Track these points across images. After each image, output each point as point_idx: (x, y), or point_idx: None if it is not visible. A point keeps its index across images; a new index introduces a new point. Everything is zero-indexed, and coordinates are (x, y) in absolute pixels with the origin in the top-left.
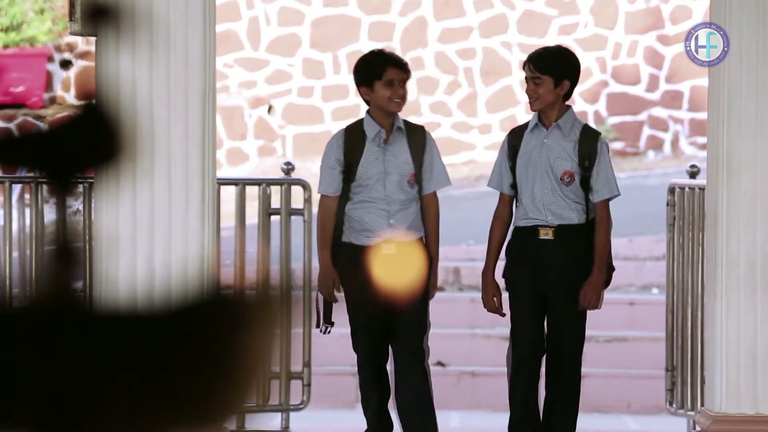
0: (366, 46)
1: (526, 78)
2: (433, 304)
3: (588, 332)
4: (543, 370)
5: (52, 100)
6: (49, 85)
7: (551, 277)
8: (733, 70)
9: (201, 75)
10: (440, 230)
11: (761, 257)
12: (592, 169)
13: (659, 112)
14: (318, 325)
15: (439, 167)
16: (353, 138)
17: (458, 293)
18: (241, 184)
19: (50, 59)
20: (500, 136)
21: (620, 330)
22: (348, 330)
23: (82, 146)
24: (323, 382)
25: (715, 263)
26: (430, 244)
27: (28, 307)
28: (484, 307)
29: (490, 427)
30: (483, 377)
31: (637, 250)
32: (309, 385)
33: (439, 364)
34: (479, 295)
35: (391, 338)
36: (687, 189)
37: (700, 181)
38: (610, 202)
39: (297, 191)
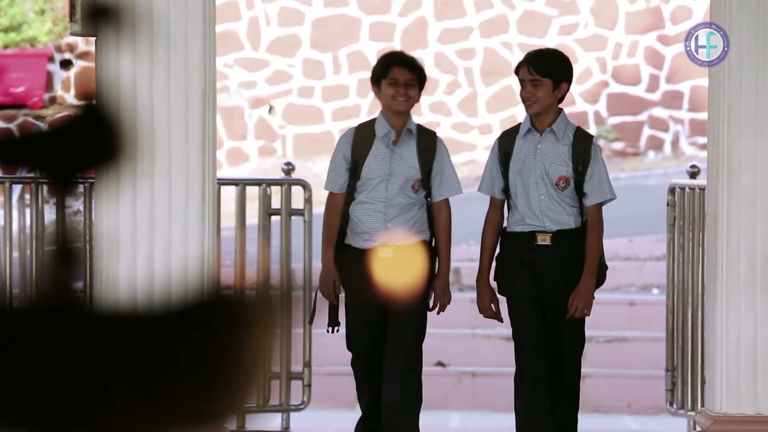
0: (366, 46)
1: (521, 80)
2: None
3: (588, 332)
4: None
5: (53, 101)
6: (49, 86)
7: (549, 281)
8: (733, 70)
9: (201, 75)
10: (452, 238)
11: (761, 257)
12: (586, 173)
13: (659, 112)
14: (311, 322)
15: (449, 175)
16: (363, 136)
17: (458, 293)
18: (241, 184)
19: (50, 59)
20: None
21: (620, 330)
22: None
23: (83, 146)
24: (323, 383)
25: (716, 263)
26: (440, 254)
27: (28, 307)
28: (481, 313)
29: (490, 428)
30: (483, 377)
31: (637, 250)
32: (309, 385)
33: (439, 364)
34: None
35: (385, 345)
36: (687, 189)
37: (701, 181)
38: (610, 203)
39: (297, 191)
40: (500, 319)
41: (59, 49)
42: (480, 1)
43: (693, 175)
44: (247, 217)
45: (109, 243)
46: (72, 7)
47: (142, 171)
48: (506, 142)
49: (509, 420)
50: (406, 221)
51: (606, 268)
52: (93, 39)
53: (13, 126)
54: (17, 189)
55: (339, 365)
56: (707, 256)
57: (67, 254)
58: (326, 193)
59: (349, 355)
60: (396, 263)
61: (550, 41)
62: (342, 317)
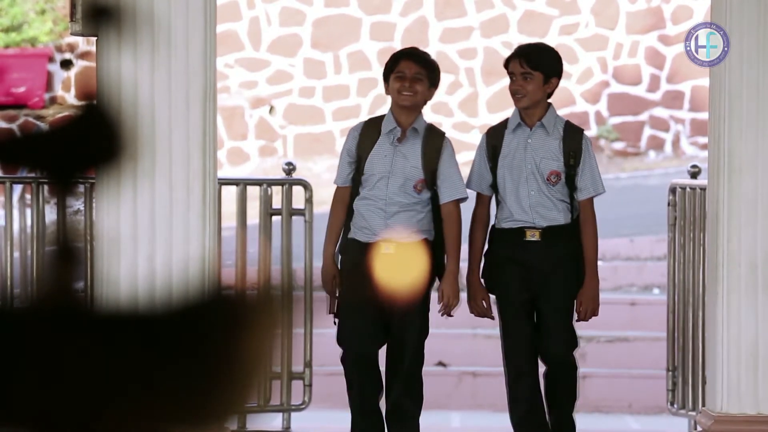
0: (367, 46)
1: (511, 73)
2: (433, 304)
3: (589, 332)
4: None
5: (53, 101)
6: (49, 86)
7: (539, 279)
8: (734, 70)
9: (202, 75)
10: (461, 241)
11: (762, 257)
12: (578, 167)
13: (660, 112)
14: (331, 311)
15: (453, 178)
16: (369, 131)
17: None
18: (242, 184)
19: (51, 59)
20: None
21: (621, 330)
22: None
23: (83, 146)
24: (324, 383)
25: (716, 263)
26: (448, 256)
27: (29, 307)
28: (471, 312)
29: (491, 427)
30: (484, 377)
31: (638, 250)
32: (310, 385)
33: (440, 364)
34: None
35: (387, 342)
36: (688, 189)
37: (701, 181)
38: (609, 203)
39: (298, 191)
40: (491, 317)
41: (60, 49)
42: (481, 1)
43: (694, 175)
44: (248, 217)
45: (110, 243)
46: (73, 6)
47: (143, 171)
48: (494, 137)
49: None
50: (407, 220)
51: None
52: (94, 39)
53: (14, 126)
54: (18, 189)
55: (340, 365)
56: (708, 256)
57: (67, 254)
58: (327, 193)
59: None
60: (397, 260)
61: (550, 41)
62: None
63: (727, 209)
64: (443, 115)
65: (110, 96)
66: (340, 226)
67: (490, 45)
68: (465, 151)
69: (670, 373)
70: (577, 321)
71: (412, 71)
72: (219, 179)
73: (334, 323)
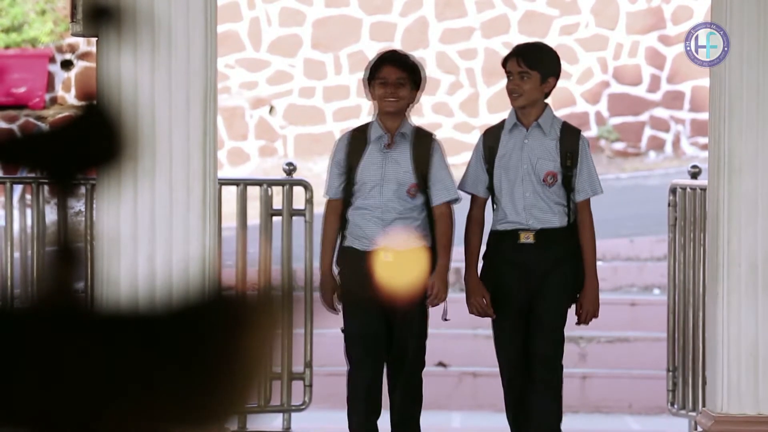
0: (367, 46)
1: (508, 72)
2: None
3: (589, 333)
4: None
5: (54, 101)
6: (50, 86)
7: (533, 282)
8: (734, 70)
9: (202, 75)
10: (453, 241)
11: (762, 257)
12: (575, 168)
13: (660, 112)
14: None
15: (443, 179)
16: (357, 140)
17: (460, 294)
18: (242, 184)
19: (52, 60)
20: None
21: (622, 330)
22: None
23: (84, 147)
24: (325, 383)
25: (717, 263)
26: (438, 254)
27: (29, 307)
28: (471, 311)
29: (491, 428)
30: (484, 378)
31: (638, 250)
32: (310, 385)
33: (441, 364)
34: None
35: (387, 348)
36: (688, 189)
37: (702, 181)
38: (607, 202)
39: (298, 192)
40: (492, 315)
41: (60, 50)
42: (481, 2)
43: (694, 175)
44: (248, 218)
45: (111, 243)
46: (73, 7)
47: (144, 171)
48: (491, 138)
49: None
50: (405, 226)
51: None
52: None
53: (14, 126)
54: (18, 189)
55: (340, 366)
56: (708, 257)
57: (68, 254)
58: None
59: None
60: (396, 267)
61: (551, 41)
62: (338, 320)
63: (727, 209)
64: (444, 116)
65: (111, 96)
66: (336, 238)
67: (491, 45)
68: (465, 151)
69: (671, 373)
70: (577, 324)
71: (395, 77)
72: (219, 179)
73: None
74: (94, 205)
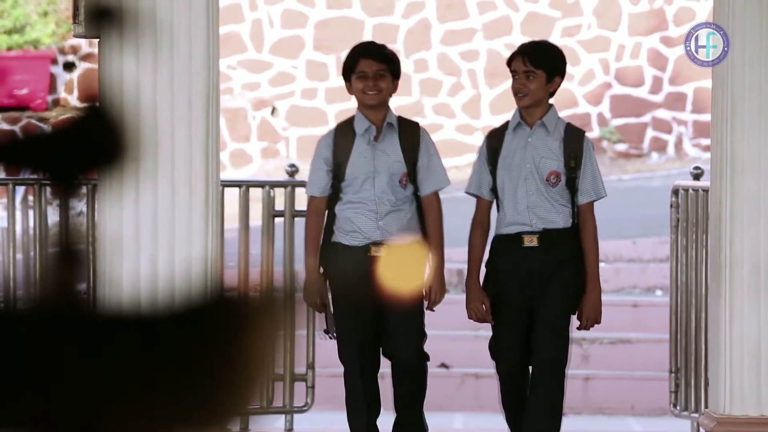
0: None
1: (514, 72)
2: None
3: (592, 334)
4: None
5: (56, 103)
6: (52, 88)
7: (537, 286)
8: (736, 71)
9: (204, 77)
10: (444, 232)
11: (765, 258)
12: (579, 170)
13: (663, 113)
14: (329, 329)
15: (435, 166)
16: (343, 136)
17: (462, 295)
18: (244, 185)
19: (54, 61)
20: None
21: (624, 332)
22: None
23: (86, 148)
24: (327, 384)
25: (719, 265)
26: (432, 248)
27: (31, 308)
28: (470, 317)
29: (493, 429)
30: (486, 379)
31: (640, 251)
32: (313, 387)
33: (443, 366)
34: None
35: (382, 346)
36: (691, 191)
37: (704, 182)
38: (611, 204)
39: (301, 193)
40: (491, 321)
41: (62, 51)
42: (483, 3)
43: (696, 176)
44: (250, 219)
45: (113, 244)
46: (75, 9)
47: (146, 173)
48: (495, 139)
49: None
50: (398, 219)
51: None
52: (96, 41)
53: (16, 128)
54: (20, 191)
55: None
56: (711, 258)
57: (70, 256)
58: None
59: None
60: (390, 263)
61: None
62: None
63: (729, 211)
64: (445, 117)
65: (113, 98)
66: (320, 237)
67: (493, 47)
68: (468, 153)
69: (673, 374)
70: (578, 329)
71: (374, 69)
72: (222, 181)
73: (331, 337)
74: (97, 207)
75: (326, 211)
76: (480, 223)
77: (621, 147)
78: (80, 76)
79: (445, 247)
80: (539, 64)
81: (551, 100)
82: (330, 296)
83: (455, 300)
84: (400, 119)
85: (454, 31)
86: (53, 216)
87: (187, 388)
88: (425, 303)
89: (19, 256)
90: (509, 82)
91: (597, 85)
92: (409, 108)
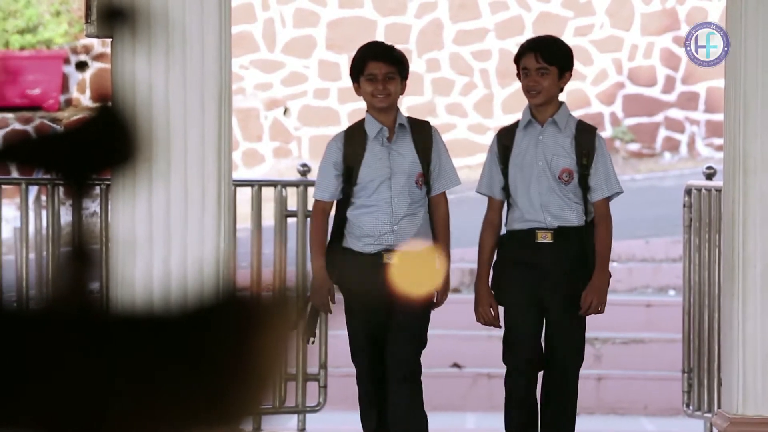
0: None
1: (525, 69)
2: (448, 306)
3: (605, 334)
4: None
5: (68, 103)
6: (65, 88)
7: (550, 283)
8: (749, 70)
9: (217, 77)
10: (456, 231)
11: None
12: (591, 167)
13: (675, 113)
14: (306, 339)
15: (447, 166)
16: (354, 139)
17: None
18: (257, 185)
19: (66, 61)
20: None
21: (637, 332)
22: None
23: (98, 148)
24: (340, 384)
25: (732, 264)
26: (439, 248)
27: (44, 308)
28: (478, 320)
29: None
30: (499, 379)
31: (653, 251)
32: (325, 386)
33: (455, 365)
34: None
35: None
36: (703, 190)
37: (717, 182)
38: (626, 204)
39: (313, 193)
40: (498, 326)
41: (75, 51)
42: (495, 3)
43: (709, 176)
44: (262, 219)
45: (125, 244)
46: (88, 8)
47: (158, 172)
48: (505, 137)
49: None
50: (412, 223)
51: (609, 275)
52: (109, 41)
53: (29, 128)
54: (33, 190)
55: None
56: (724, 258)
57: (83, 256)
58: None
59: None
60: (403, 270)
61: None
62: (340, 322)
63: (742, 210)
64: (458, 116)
65: (125, 98)
66: (326, 238)
67: (505, 47)
68: (480, 152)
69: (686, 374)
70: (580, 313)
71: (383, 71)
72: (234, 181)
73: (310, 342)
74: (109, 207)
75: (334, 214)
76: (491, 222)
77: (634, 147)
78: (93, 75)
79: (458, 246)
80: (552, 60)
81: (561, 97)
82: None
83: (468, 300)
84: (411, 119)
85: (466, 31)
86: (66, 216)
87: (199, 388)
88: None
89: (32, 255)
90: None
91: (610, 85)
92: (421, 108)
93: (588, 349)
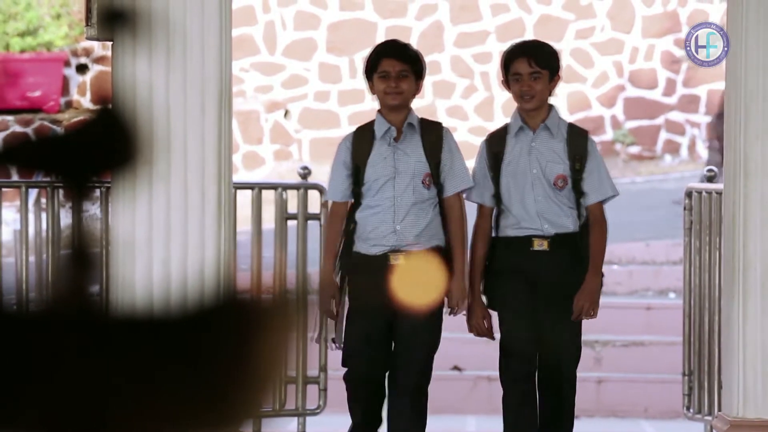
0: None
1: (517, 74)
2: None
3: (605, 337)
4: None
5: (69, 105)
6: (65, 90)
7: (546, 290)
8: (750, 73)
9: (217, 79)
10: (467, 235)
11: None
12: (584, 172)
13: (676, 116)
14: (317, 340)
15: (459, 166)
16: (362, 138)
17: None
18: (257, 188)
19: (67, 64)
20: None
21: (637, 334)
22: None
23: (99, 150)
24: (340, 387)
25: (733, 267)
26: (454, 252)
27: (44, 310)
28: (470, 331)
29: None
30: (499, 382)
31: (654, 254)
32: (325, 389)
33: (456, 368)
34: None
35: (390, 361)
36: (704, 193)
37: (717, 185)
38: (624, 205)
39: (313, 195)
40: (492, 337)
41: (75, 54)
42: (496, 5)
43: (710, 179)
44: (263, 222)
45: (125, 247)
46: (88, 11)
47: (158, 175)
48: (495, 143)
49: None
50: (416, 223)
51: (602, 275)
52: (109, 43)
53: (29, 130)
54: (33, 193)
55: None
56: (724, 260)
57: (82, 258)
58: None
59: None
60: (407, 272)
61: (566, 45)
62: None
63: (743, 213)
64: (459, 119)
65: (125, 100)
66: (338, 242)
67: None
68: None
69: (686, 377)
70: (572, 318)
71: (397, 69)
72: (234, 183)
73: (338, 347)
74: (110, 209)
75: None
76: (483, 231)
77: (634, 149)
78: (93, 78)
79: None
80: (545, 65)
81: (561, 98)
82: (343, 305)
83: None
84: (423, 120)
85: (467, 33)
86: (66, 218)
87: (200, 390)
88: (446, 309)
89: (32, 258)
90: None
91: (610, 88)
92: (422, 110)
93: (588, 352)
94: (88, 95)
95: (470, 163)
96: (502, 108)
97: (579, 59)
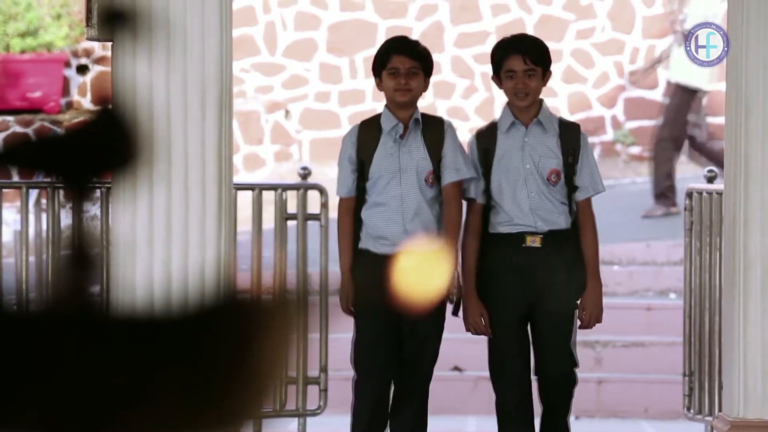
0: None
1: (510, 71)
2: (449, 308)
3: (605, 337)
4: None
5: (69, 105)
6: (65, 90)
7: (539, 288)
8: (750, 74)
9: (218, 80)
10: (459, 227)
11: None
12: (576, 165)
13: None
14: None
15: (458, 158)
16: (368, 133)
17: None
18: (257, 188)
19: (67, 64)
20: None
21: (637, 335)
22: None
23: (99, 151)
24: (340, 387)
25: (733, 268)
26: (446, 243)
27: (44, 311)
28: (468, 330)
29: None
30: None
31: (654, 254)
32: (326, 390)
33: (456, 369)
34: None
35: (399, 359)
36: (705, 193)
37: (718, 185)
38: (624, 206)
39: (313, 196)
40: (490, 335)
41: (76, 54)
42: (497, 6)
43: (710, 179)
44: (263, 222)
45: (126, 247)
46: (88, 12)
47: (159, 176)
48: (485, 140)
49: None
50: (426, 222)
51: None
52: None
53: (29, 131)
54: (34, 193)
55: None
56: (725, 261)
57: (83, 258)
58: None
59: None
60: (419, 271)
61: (567, 45)
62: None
63: (743, 213)
64: (459, 120)
65: (126, 101)
66: (353, 239)
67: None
68: None
69: (687, 378)
70: (580, 328)
71: (406, 66)
72: (235, 184)
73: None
74: (110, 210)
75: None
76: (473, 228)
77: (635, 150)
78: (93, 79)
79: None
80: (539, 61)
81: (561, 99)
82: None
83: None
84: (424, 116)
85: (467, 33)
86: (66, 219)
87: (200, 391)
88: (448, 307)
89: (32, 259)
90: None
91: (611, 88)
92: (422, 110)
93: (588, 352)
94: (89, 96)
95: None
96: (502, 108)
97: (579, 60)
